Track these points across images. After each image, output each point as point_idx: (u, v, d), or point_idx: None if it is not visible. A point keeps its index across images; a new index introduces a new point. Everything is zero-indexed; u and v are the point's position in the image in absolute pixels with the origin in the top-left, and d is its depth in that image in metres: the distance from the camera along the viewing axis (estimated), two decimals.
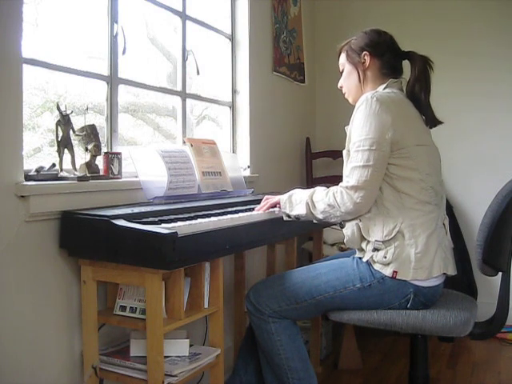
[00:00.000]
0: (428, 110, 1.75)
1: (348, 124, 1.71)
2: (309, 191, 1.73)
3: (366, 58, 1.78)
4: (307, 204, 1.71)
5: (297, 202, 1.75)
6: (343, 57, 1.86)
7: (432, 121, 1.77)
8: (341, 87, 1.90)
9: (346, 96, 1.89)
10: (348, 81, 1.85)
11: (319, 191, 1.71)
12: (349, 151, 1.68)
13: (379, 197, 1.65)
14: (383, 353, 2.92)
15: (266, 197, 1.96)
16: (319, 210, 1.69)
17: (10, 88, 1.47)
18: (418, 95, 1.73)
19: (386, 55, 1.78)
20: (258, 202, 1.99)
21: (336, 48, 1.90)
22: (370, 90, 1.76)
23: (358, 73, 1.80)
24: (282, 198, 1.81)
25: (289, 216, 1.79)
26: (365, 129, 1.61)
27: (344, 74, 1.86)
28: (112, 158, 1.83)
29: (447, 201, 1.82)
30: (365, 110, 1.62)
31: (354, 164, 1.62)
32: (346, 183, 1.64)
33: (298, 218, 1.76)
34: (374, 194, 1.63)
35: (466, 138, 3.35)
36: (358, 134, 1.63)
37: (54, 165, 1.64)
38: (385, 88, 1.74)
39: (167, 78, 2.49)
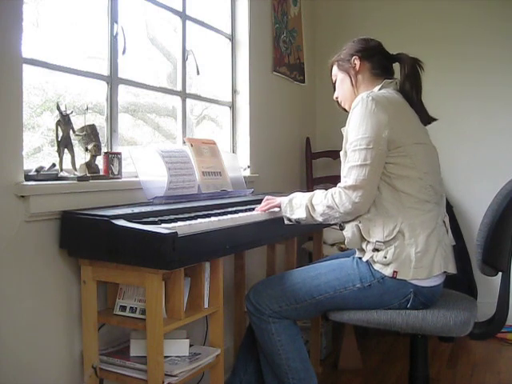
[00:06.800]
0: (421, 107, 1.77)
1: (345, 126, 1.71)
2: (308, 194, 1.73)
3: (356, 61, 1.81)
4: (307, 207, 1.71)
5: (297, 206, 1.75)
6: (335, 68, 1.89)
7: (426, 118, 1.78)
8: (336, 98, 1.92)
9: (342, 105, 1.90)
10: (342, 88, 1.87)
11: (318, 194, 1.70)
12: (346, 152, 1.68)
13: (378, 197, 1.65)
14: (383, 353, 2.92)
15: (266, 197, 1.96)
16: (319, 213, 1.68)
17: (10, 88, 1.47)
18: (410, 93, 1.74)
19: (375, 57, 1.81)
20: (258, 202, 1.99)
21: (328, 63, 1.92)
22: (363, 91, 1.75)
23: (350, 77, 1.82)
24: (283, 201, 1.80)
25: (289, 220, 1.78)
26: (361, 128, 1.62)
27: (337, 83, 1.89)
28: (112, 158, 1.83)
29: (447, 201, 1.82)
30: (361, 110, 1.63)
31: (352, 163, 1.63)
32: (343, 183, 1.64)
33: (298, 221, 1.76)
34: (372, 193, 1.63)
35: (467, 139, 3.36)
36: (355, 134, 1.63)
37: (54, 165, 1.64)
38: (380, 88, 1.75)
39: (167, 78, 2.49)
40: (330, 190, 1.67)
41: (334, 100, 1.93)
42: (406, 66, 1.75)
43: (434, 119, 1.79)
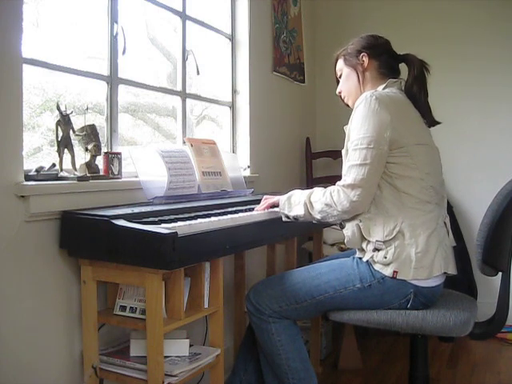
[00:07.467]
0: (427, 110, 1.76)
1: (347, 124, 1.71)
2: (307, 192, 1.73)
3: (364, 58, 1.79)
4: (305, 204, 1.71)
5: (295, 203, 1.75)
6: (340, 62, 1.87)
7: (430, 120, 1.78)
8: (339, 93, 1.90)
9: (345, 100, 1.89)
10: (347, 83, 1.85)
11: (317, 191, 1.70)
12: (347, 150, 1.68)
13: (379, 196, 1.65)
14: (383, 353, 2.92)
15: (265, 197, 1.96)
16: (317, 210, 1.68)
17: (10, 88, 1.47)
18: (417, 95, 1.73)
19: (383, 56, 1.80)
20: (258, 202, 1.99)
21: (332, 57, 1.91)
22: (369, 89, 1.75)
23: (357, 74, 1.80)
24: (281, 198, 1.81)
25: (287, 217, 1.78)
26: (363, 127, 1.61)
27: (342, 77, 1.87)
28: (112, 158, 1.83)
29: (447, 201, 1.82)
30: (364, 109, 1.62)
31: (352, 162, 1.62)
32: (343, 182, 1.64)
33: (296, 218, 1.76)
34: (370, 192, 1.63)
35: (467, 139, 3.36)
36: (357, 133, 1.63)
37: (54, 165, 1.64)
38: (384, 88, 1.75)
39: (167, 78, 2.49)
40: (328, 188, 1.66)
41: (337, 94, 1.92)
42: (414, 68, 1.74)
43: (438, 122, 1.78)
